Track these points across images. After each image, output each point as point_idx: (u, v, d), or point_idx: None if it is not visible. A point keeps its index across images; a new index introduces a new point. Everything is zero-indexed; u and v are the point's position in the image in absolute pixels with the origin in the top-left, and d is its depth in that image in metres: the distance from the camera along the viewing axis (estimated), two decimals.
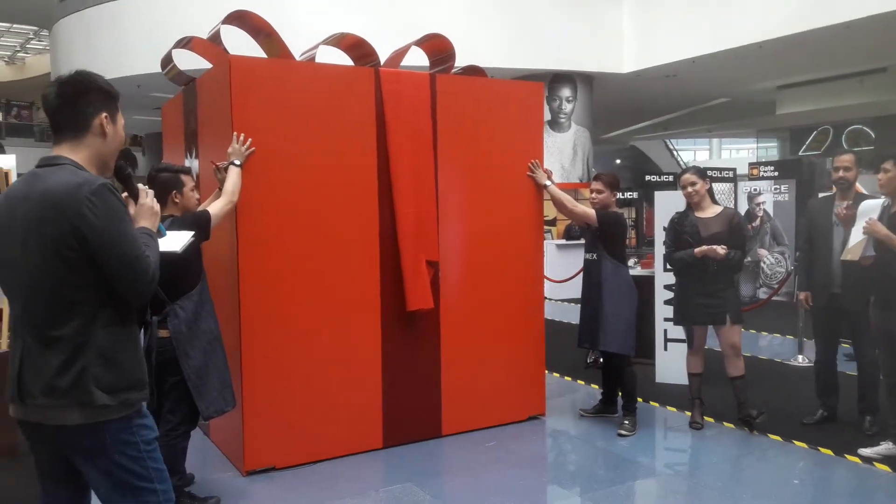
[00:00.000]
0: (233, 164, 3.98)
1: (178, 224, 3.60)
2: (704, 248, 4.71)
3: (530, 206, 5.13)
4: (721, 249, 4.66)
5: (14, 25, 24.68)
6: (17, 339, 2.12)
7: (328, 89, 4.39)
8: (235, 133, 4.04)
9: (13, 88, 27.18)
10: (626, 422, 4.95)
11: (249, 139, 4.07)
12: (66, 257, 2.03)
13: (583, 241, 5.27)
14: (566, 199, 5.06)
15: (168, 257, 3.45)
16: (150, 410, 3.73)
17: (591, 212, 4.95)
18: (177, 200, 3.72)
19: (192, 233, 3.37)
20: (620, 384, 5.08)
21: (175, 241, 3.14)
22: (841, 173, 4.76)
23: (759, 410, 4.86)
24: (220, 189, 3.98)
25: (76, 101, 2.15)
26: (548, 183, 5.09)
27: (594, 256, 4.99)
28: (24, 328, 2.10)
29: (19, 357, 2.10)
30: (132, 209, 2.28)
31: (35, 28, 24.30)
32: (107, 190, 2.06)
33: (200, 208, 3.89)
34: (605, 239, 4.93)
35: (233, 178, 3.93)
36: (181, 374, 3.57)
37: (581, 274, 5.22)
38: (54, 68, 13.80)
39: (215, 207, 3.78)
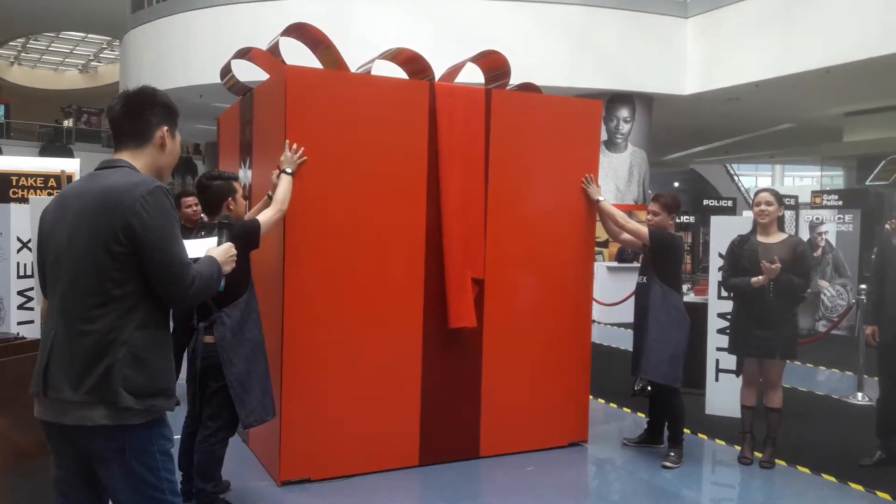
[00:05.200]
0: (284, 172, 4.00)
1: (228, 230, 3.62)
2: (760, 277, 4.53)
3: (582, 226, 5.02)
4: (774, 265, 4.45)
5: (89, 35, 25.72)
6: (50, 330, 2.14)
7: (382, 101, 4.39)
8: (288, 141, 4.07)
9: (85, 96, 28.28)
10: (672, 453, 4.78)
11: (302, 148, 4.10)
12: (113, 252, 2.07)
13: (636, 263, 5.14)
14: (619, 214, 4.95)
15: None
16: (192, 414, 3.81)
17: (644, 229, 4.82)
18: (231, 207, 3.76)
19: (214, 239, 3.34)
20: (667, 414, 4.91)
21: (199, 249, 3.12)
22: None
23: (769, 460, 4.71)
24: (270, 197, 4.00)
25: (141, 112, 2.24)
26: (600, 198, 4.99)
27: (645, 280, 4.86)
28: (57, 319, 2.13)
29: (49, 348, 2.12)
30: (214, 252, 2.44)
31: (108, 38, 25.25)
32: (161, 191, 2.13)
33: (249, 216, 3.93)
34: (657, 261, 4.79)
35: (284, 186, 3.94)
36: (224, 380, 3.60)
37: (633, 298, 5.09)
38: (123, 77, 14.26)
39: (265, 216, 3.79)
